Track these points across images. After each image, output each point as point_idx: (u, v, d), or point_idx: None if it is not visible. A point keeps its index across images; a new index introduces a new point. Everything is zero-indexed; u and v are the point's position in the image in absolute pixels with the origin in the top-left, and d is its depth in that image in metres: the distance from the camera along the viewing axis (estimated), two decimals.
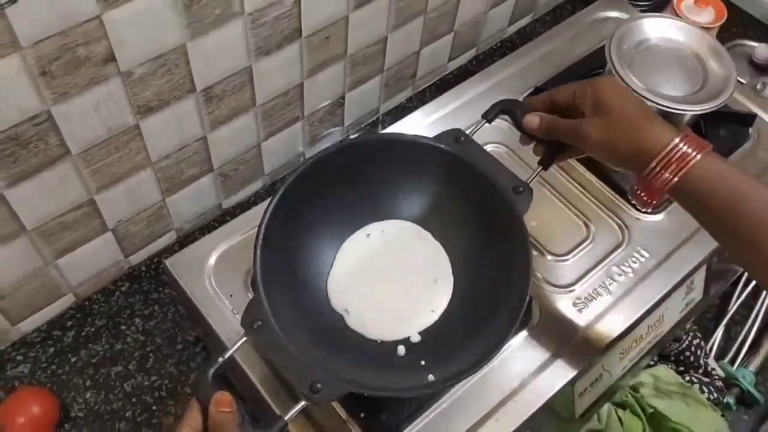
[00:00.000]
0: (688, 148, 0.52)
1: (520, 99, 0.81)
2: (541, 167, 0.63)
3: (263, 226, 0.58)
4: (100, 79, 0.59)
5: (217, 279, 0.66)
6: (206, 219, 0.86)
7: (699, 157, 0.52)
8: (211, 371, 0.51)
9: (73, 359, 0.75)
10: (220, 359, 0.51)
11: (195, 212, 0.84)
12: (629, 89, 0.62)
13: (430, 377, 0.56)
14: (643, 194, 0.57)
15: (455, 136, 0.64)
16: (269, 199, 0.59)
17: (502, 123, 0.72)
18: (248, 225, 0.69)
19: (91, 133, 0.63)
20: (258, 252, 0.57)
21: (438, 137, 0.64)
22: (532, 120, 0.60)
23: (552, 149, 0.63)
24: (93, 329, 0.77)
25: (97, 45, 0.57)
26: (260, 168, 0.87)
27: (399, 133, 0.68)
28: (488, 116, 0.64)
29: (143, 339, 0.77)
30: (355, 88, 0.89)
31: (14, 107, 0.56)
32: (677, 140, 0.53)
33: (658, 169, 0.53)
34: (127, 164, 0.69)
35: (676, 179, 0.52)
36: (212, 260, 0.67)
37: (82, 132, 0.62)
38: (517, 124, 0.63)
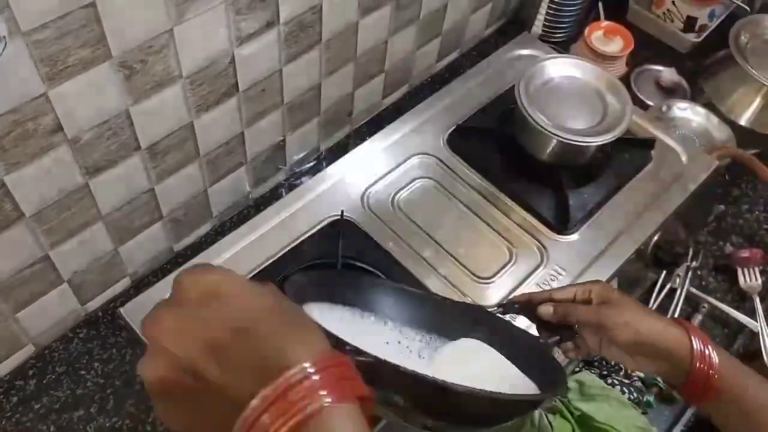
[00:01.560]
0: (702, 347, 0.57)
1: (444, 137, 0.88)
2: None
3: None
4: (49, 147, 0.64)
5: None
6: (159, 262, 0.91)
7: (716, 358, 0.57)
8: None
9: (36, 406, 0.79)
10: None
11: (148, 257, 0.88)
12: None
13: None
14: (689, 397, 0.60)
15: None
16: None
17: None
18: None
19: (43, 196, 0.68)
20: None
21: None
22: (546, 309, 0.64)
23: (564, 335, 0.65)
24: (54, 376, 0.81)
25: (45, 118, 0.62)
26: (208, 211, 0.92)
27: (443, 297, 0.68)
28: (505, 312, 0.68)
29: (103, 382, 0.81)
30: (294, 131, 0.95)
31: None
32: (696, 343, 0.58)
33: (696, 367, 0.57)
34: (78, 220, 0.74)
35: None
36: None
37: (34, 196, 0.67)
38: (530, 318, 0.66)
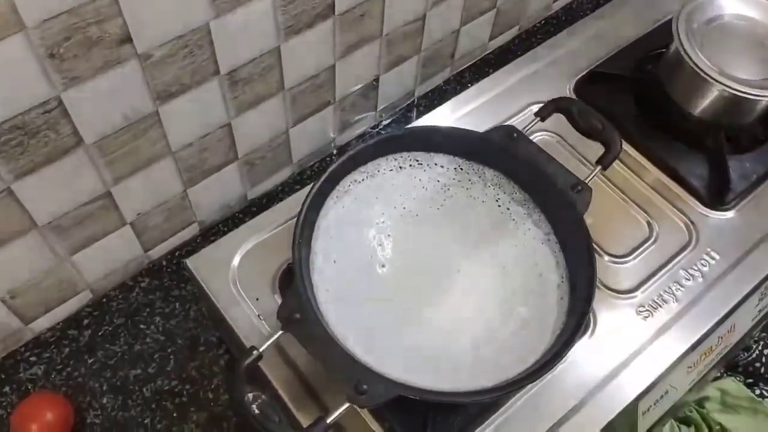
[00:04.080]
0: None
1: (571, 84, 0.75)
2: (599, 167, 0.58)
3: (306, 206, 0.52)
4: (115, 62, 0.54)
5: (242, 280, 0.60)
6: (231, 210, 0.80)
7: None
8: (244, 365, 0.47)
9: (89, 360, 0.71)
10: (254, 353, 0.48)
11: (219, 203, 0.78)
12: None
13: (484, 382, 0.49)
14: None
15: (508, 132, 0.58)
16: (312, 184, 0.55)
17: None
18: (276, 220, 0.63)
19: (107, 121, 0.58)
20: (297, 233, 0.52)
21: (489, 133, 0.59)
22: None
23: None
24: (111, 328, 0.73)
25: (111, 24, 0.51)
26: (288, 156, 0.81)
27: (451, 127, 0.62)
28: (542, 114, 0.61)
29: (163, 339, 0.72)
30: (390, 70, 0.82)
31: (20, 93, 0.50)
32: None
33: None
34: (145, 154, 0.64)
35: None
36: (236, 260, 0.61)
37: (96, 120, 0.57)
38: (574, 123, 0.58)
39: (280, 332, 0.49)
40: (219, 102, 0.65)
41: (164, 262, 0.77)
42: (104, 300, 0.74)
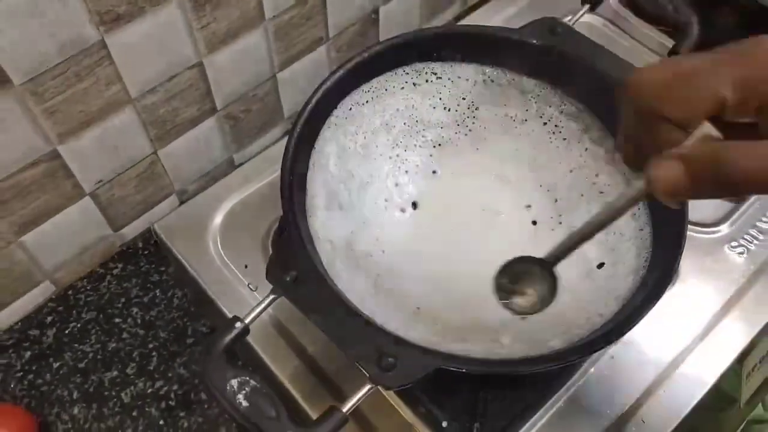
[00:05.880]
0: None
1: (613, 20, 0.62)
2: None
3: (296, 135, 0.41)
4: None
5: (226, 244, 0.48)
6: (215, 178, 0.68)
7: None
8: (224, 343, 0.35)
9: (55, 365, 0.59)
10: (237, 326, 0.36)
11: (200, 169, 0.66)
12: None
13: (553, 343, 0.37)
14: None
15: (549, 26, 0.46)
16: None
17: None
18: (263, 170, 0.51)
19: (36, 53, 0.46)
20: (287, 170, 0.40)
21: (524, 30, 0.46)
22: (666, 176, 0.27)
23: None
24: (79, 325, 0.60)
25: None
26: (279, 109, 0.68)
27: (469, 25, 0.49)
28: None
29: (143, 334, 0.60)
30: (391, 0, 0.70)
31: None
32: None
33: None
34: (97, 100, 0.52)
35: None
36: (218, 219, 0.49)
37: (22, 51, 0.45)
38: (634, 6, 0.46)
39: (271, 297, 0.36)
40: (183, 31, 0.53)
41: (140, 243, 0.65)
42: (70, 292, 0.62)
